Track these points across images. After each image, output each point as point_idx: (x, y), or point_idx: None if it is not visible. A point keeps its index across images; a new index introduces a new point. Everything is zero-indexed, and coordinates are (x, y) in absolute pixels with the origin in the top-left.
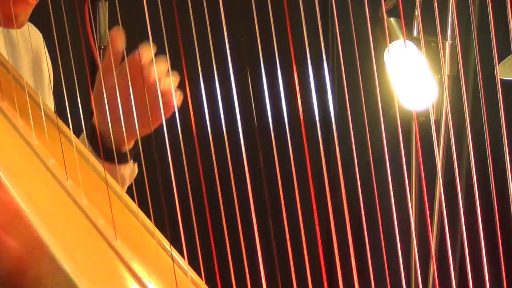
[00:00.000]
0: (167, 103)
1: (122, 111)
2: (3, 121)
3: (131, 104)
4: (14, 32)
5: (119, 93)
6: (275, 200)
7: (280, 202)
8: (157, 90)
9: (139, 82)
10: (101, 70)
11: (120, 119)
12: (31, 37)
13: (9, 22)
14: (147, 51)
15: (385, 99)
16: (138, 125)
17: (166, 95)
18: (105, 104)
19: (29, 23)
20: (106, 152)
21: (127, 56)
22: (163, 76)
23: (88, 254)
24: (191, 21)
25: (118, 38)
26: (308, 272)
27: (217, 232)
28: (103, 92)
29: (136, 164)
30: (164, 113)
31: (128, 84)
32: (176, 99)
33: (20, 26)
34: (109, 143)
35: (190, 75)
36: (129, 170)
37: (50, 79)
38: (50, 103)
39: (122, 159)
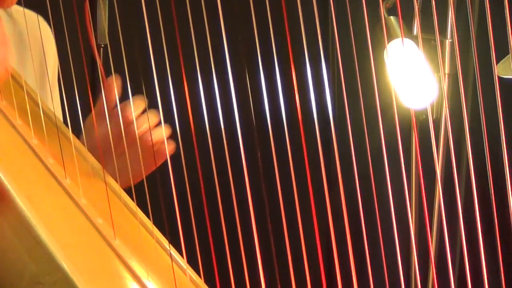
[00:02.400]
0: (159, 152)
1: (115, 155)
2: (1, 120)
3: (123, 150)
4: (23, 23)
5: (112, 138)
6: (274, 199)
7: (278, 201)
8: (147, 140)
9: (130, 131)
10: (94, 115)
11: (113, 162)
12: (39, 29)
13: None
14: (139, 103)
15: (384, 98)
16: (131, 172)
17: (157, 144)
18: (96, 148)
19: (38, 15)
20: None
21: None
22: (153, 127)
23: (87, 253)
24: (189, 19)
25: (113, 87)
26: (307, 271)
27: (216, 231)
28: (94, 137)
29: None
30: (156, 161)
31: (120, 131)
32: (168, 149)
33: (8, 5)
34: None
35: (188, 74)
36: None
37: (55, 72)
38: (55, 97)
39: None
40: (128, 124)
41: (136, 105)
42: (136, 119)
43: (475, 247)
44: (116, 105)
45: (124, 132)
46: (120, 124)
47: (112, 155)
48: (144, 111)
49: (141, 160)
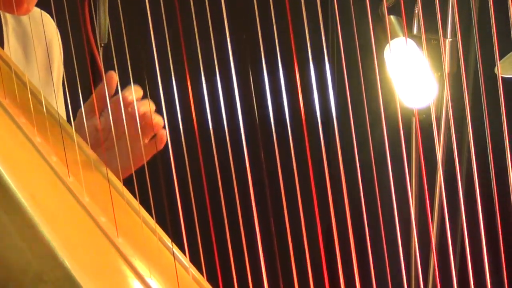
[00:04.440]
0: (158, 135)
1: (115, 139)
2: (5, 118)
3: (122, 132)
4: (27, 22)
5: (112, 122)
6: (277, 197)
7: (281, 199)
8: (147, 120)
9: (129, 112)
10: (95, 100)
11: (114, 149)
12: (45, 27)
13: (12, 7)
14: (137, 89)
15: (385, 97)
16: (132, 156)
17: (156, 126)
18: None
19: (44, 12)
20: None
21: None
22: (152, 112)
23: (90, 251)
24: (192, 18)
25: (114, 79)
26: (309, 270)
27: (219, 229)
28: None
29: None
30: (157, 145)
31: (119, 116)
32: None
33: (25, 12)
34: None
35: (192, 72)
36: None
37: (61, 71)
38: (59, 96)
39: None
40: (127, 104)
41: (135, 90)
42: (132, 103)
43: (477, 243)
44: (113, 95)
45: (124, 112)
46: (119, 108)
47: (111, 141)
48: (143, 98)
49: (141, 141)
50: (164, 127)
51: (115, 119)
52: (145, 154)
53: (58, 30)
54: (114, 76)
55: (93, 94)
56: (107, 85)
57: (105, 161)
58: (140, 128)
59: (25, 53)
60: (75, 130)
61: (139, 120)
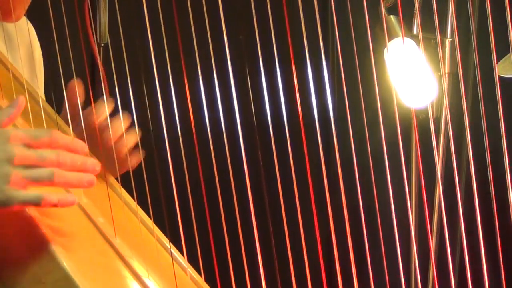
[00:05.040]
0: (131, 156)
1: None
2: None
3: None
4: (11, 24)
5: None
6: (274, 198)
7: (279, 200)
8: (118, 150)
9: (96, 136)
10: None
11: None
12: (24, 29)
13: (7, 15)
14: (101, 109)
15: (384, 97)
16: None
17: (121, 152)
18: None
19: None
20: None
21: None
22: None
23: (88, 252)
24: (190, 19)
25: (75, 91)
26: (307, 270)
27: (216, 230)
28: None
29: None
30: (131, 164)
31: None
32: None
33: (17, 19)
34: None
35: (189, 73)
36: None
37: (41, 72)
38: (42, 92)
39: None
40: (92, 130)
41: (98, 110)
42: (101, 124)
43: (475, 244)
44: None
45: (90, 137)
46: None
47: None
48: (112, 115)
49: (115, 162)
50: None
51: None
52: (118, 169)
53: (35, 32)
54: (80, 86)
55: (65, 101)
56: (69, 99)
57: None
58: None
59: (10, 55)
60: None
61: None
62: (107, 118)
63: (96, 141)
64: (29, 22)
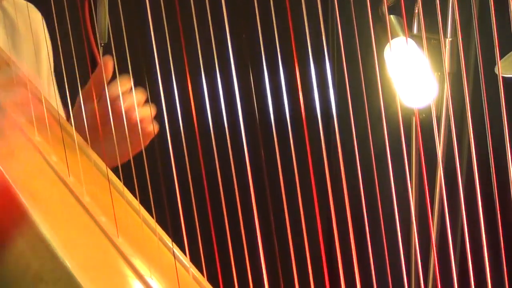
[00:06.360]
0: (144, 131)
1: (103, 134)
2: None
3: (110, 128)
4: (14, 14)
5: (99, 117)
6: (277, 196)
7: (282, 197)
8: (132, 117)
9: (115, 107)
10: (86, 92)
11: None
12: (30, 18)
13: None
14: (125, 82)
15: (386, 96)
16: (118, 151)
17: (142, 122)
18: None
19: (28, 3)
20: None
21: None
22: (139, 106)
23: (90, 251)
24: (192, 17)
25: (108, 68)
26: (310, 268)
27: (219, 229)
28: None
29: None
30: (143, 141)
31: (107, 111)
32: (153, 128)
33: None
34: None
35: (192, 71)
36: None
37: (50, 62)
38: (50, 87)
39: None
40: (113, 99)
41: (122, 83)
42: (122, 94)
43: (477, 242)
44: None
45: (110, 108)
46: (107, 104)
47: (99, 133)
48: (130, 90)
49: (127, 137)
50: (160, 121)
51: (102, 116)
52: (131, 148)
53: (43, 19)
54: (111, 61)
55: (91, 79)
56: (104, 70)
57: (103, 148)
58: (126, 125)
59: (14, 45)
60: (74, 116)
61: (125, 115)
62: (130, 90)
63: (119, 115)
64: (37, 11)
